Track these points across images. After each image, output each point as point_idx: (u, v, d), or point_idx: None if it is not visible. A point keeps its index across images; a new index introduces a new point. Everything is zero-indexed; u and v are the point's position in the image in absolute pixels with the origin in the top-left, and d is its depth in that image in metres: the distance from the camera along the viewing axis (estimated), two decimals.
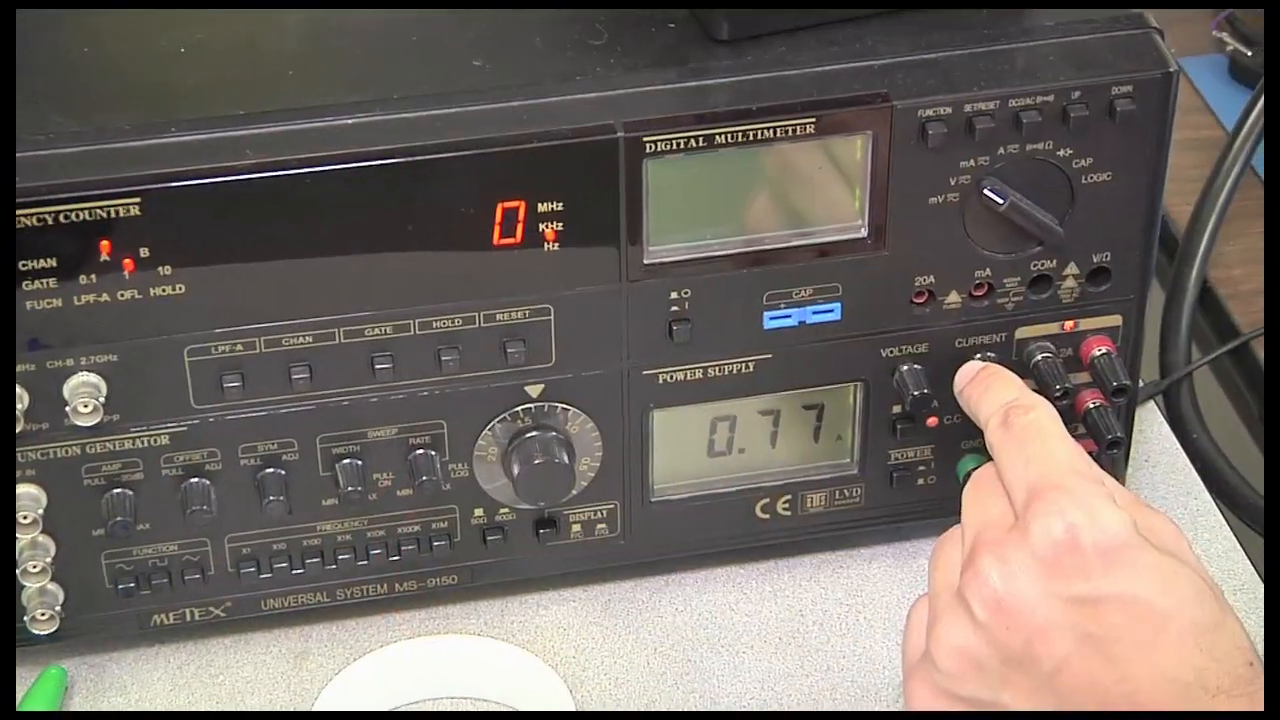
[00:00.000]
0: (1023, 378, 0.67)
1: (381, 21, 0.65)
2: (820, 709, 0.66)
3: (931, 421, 0.68)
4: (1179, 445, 0.77)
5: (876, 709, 0.66)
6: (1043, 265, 0.66)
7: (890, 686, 0.67)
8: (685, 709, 0.66)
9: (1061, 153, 0.63)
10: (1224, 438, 0.78)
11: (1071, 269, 0.66)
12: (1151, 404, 0.78)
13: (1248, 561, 0.72)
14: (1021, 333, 0.67)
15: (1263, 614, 0.69)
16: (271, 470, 0.64)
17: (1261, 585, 0.71)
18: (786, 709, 0.66)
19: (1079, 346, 0.68)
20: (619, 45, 0.63)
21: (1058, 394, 0.67)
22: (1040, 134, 0.63)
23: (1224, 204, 0.81)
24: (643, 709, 0.66)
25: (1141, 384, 0.73)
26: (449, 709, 0.66)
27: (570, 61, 0.62)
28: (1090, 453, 0.69)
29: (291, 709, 0.66)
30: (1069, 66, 0.63)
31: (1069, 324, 0.68)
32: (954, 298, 0.66)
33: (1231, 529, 0.74)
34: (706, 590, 0.71)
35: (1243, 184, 0.82)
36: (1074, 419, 0.68)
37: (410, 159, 0.59)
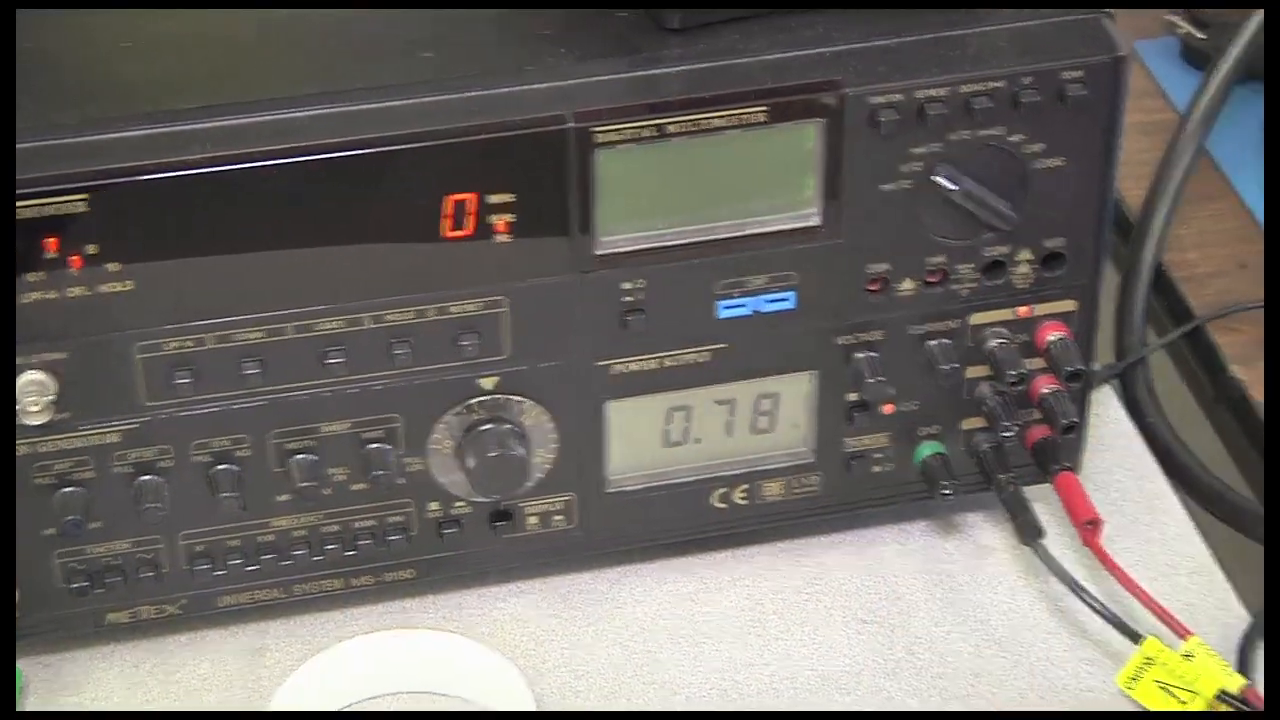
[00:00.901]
0: (977, 364, 0.67)
1: (330, 16, 0.65)
2: (781, 698, 0.66)
3: (887, 409, 0.68)
4: (1135, 429, 0.77)
5: (837, 696, 0.66)
6: (997, 251, 0.66)
7: (849, 674, 0.67)
8: (646, 699, 0.66)
9: (1013, 138, 0.64)
10: (1179, 420, 0.79)
11: (1025, 255, 0.67)
12: (1107, 388, 0.78)
13: (1204, 545, 0.73)
14: (976, 319, 0.68)
15: (1218, 597, 0.70)
16: (224, 467, 0.64)
17: (1218, 568, 0.72)
18: (747, 698, 0.67)
19: (1034, 332, 0.68)
20: (569, 35, 0.63)
21: (1013, 380, 0.67)
22: (992, 120, 0.63)
23: (1177, 188, 0.81)
24: (603, 700, 0.66)
25: (1097, 368, 0.73)
26: (407, 704, 0.66)
27: (520, 52, 0.62)
28: (1046, 437, 0.70)
29: (248, 706, 0.66)
30: (1020, 52, 0.63)
31: (1024, 310, 0.68)
32: (908, 285, 0.66)
33: (1188, 512, 0.74)
34: (665, 580, 0.71)
35: (1196, 167, 0.82)
36: (1029, 404, 0.69)
37: (359, 152, 0.59)
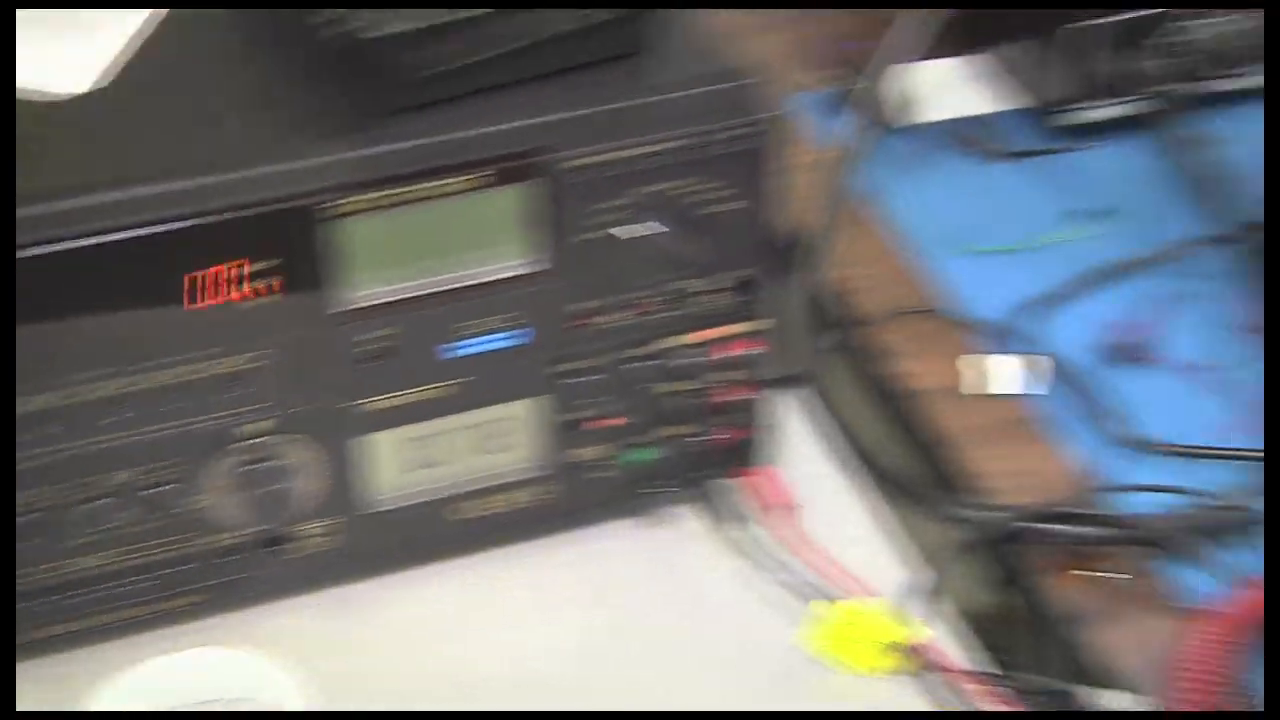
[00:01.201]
0: (679, 379, 0.77)
1: (70, 107, 0.69)
2: (512, 695, 0.74)
3: (602, 424, 0.78)
4: (820, 424, 0.86)
5: (557, 696, 0.73)
6: (691, 285, 0.75)
7: (567, 675, 0.75)
8: (416, 691, 0.74)
9: (697, 189, 0.72)
10: (855, 413, 0.87)
11: (717, 284, 0.76)
12: (791, 395, 0.86)
13: (888, 537, 0.81)
14: (676, 341, 0.77)
15: (892, 563, 0.80)
16: (26, 518, 0.70)
17: (903, 565, 0.79)
18: (519, 675, 0.74)
19: (728, 348, 0.77)
20: (303, 117, 0.69)
21: (710, 391, 0.77)
22: (677, 174, 0.72)
23: (834, 215, 0.89)
24: (381, 696, 0.73)
25: (779, 377, 0.82)
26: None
27: (258, 135, 0.68)
28: (744, 438, 0.80)
29: None
30: (695, 116, 0.71)
31: (718, 330, 0.77)
32: (618, 317, 0.75)
33: (871, 494, 0.83)
34: (429, 584, 0.78)
35: (853, 196, 0.90)
36: (728, 410, 0.78)
37: (107, 238, 0.65)
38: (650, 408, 0.78)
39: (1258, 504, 0.81)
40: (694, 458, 0.80)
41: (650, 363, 0.77)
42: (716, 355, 0.78)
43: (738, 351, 0.78)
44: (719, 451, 0.80)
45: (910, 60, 0.91)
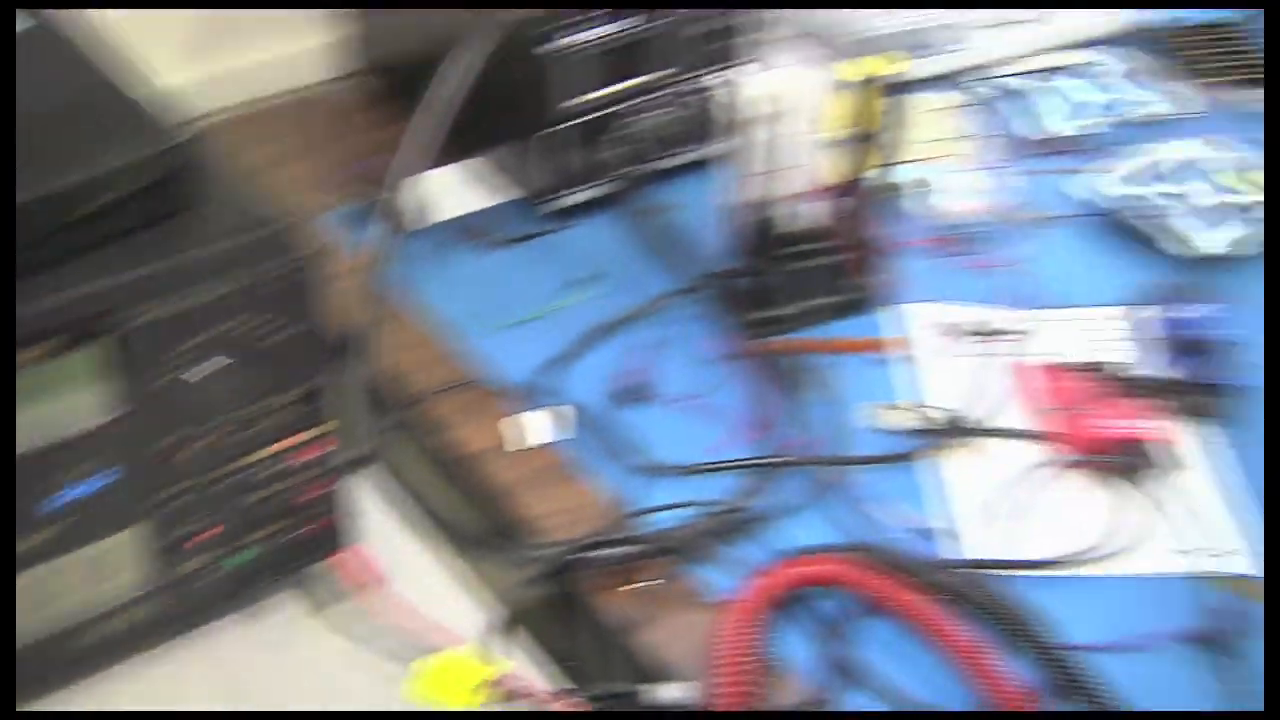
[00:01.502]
0: (255, 490, 0.72)
1: None
2: None
3: (200, 538, 0.72)
4: (392, 504, 0.82)
5: None
6: (263, 405, 0.71)
7: None
8: None
9: (254, 323, 0.69)
10: (421, 488, 0.84)
11: (285, 400, 0.72)
12: (364, 477, 0.82)
13: (467, 589, 0.78)
14: (255, 456, 0.72)
15: (469, 610, 0.77)
16: None
17: (482, 610, 0.76)
18: None
19: (303, 454, 0.73)
20: None
21: (293, 490, 0.73)
22: (233, 314, 0.68)
23: (376, 313, 0.86)
24: None
25: (350, 461, 0.78)
26: None
27: None
28: (325, 529, 0.76)
29: None
30: (241, 262, 0.67)
31: (292, 439, 0.73)
32: (200, 445, 0.70)
33: (441, 552, 0.81)
34: (75, 698, 0.72)
35: (387, 296, 0.87)
36: (304, 510, 0.74)
37: None
38: (242, 516, 0.74)
39: (754, 503, 0.82)
40: (288, 551, 0.76)
41: (236, 478, 0.73)
42: (293, 461, 0.74)
43: (313, 454, 0.75)
44: (309, 542, 0.77)
45: (419, 170, 0.89)
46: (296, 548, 0.76)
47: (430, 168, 0.92)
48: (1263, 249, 0.96)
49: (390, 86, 1.10)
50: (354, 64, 1.13)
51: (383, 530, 0.81)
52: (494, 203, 1.02)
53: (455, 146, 0.91)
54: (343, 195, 1.02)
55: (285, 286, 0.69)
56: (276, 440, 0.73)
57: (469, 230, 1.01)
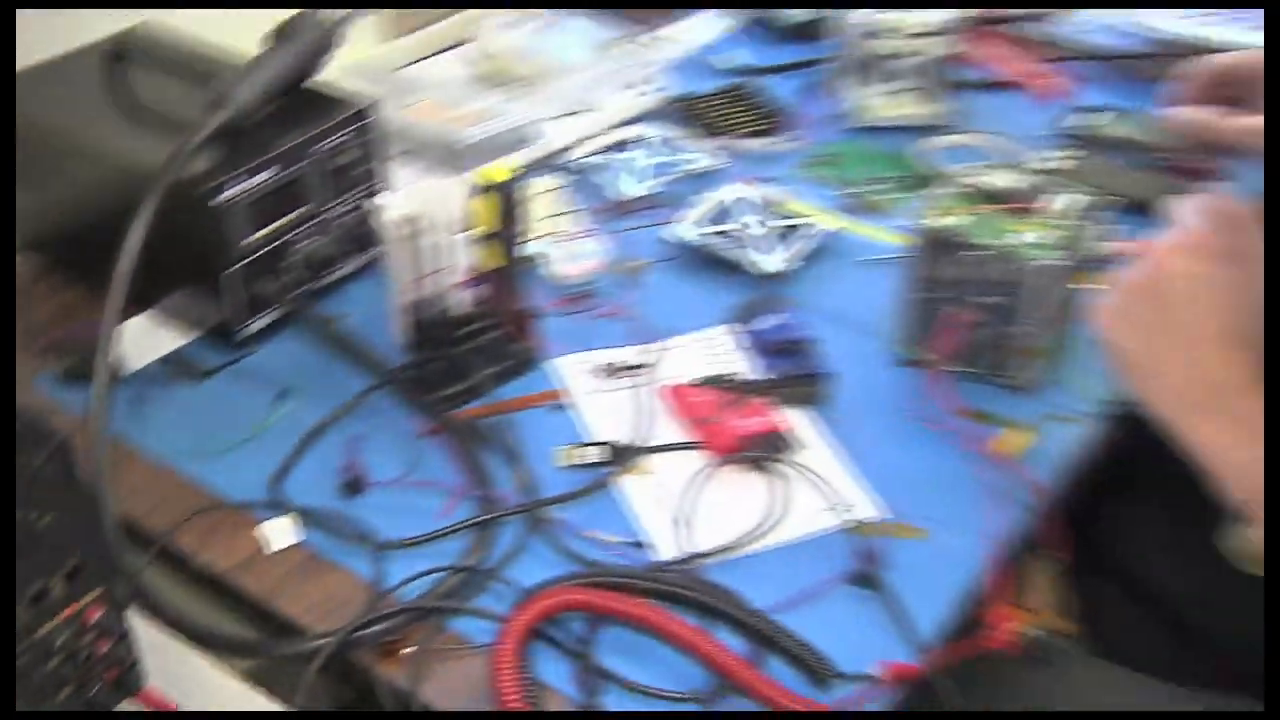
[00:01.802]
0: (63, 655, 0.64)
1: None
2: None
3: None
4: (167, 632, 0.75)
5: None
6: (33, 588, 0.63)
7: None
8: None
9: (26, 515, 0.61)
10: (189, 609, 0.76)
11: (55, 581, 0.65)
12: (135, 614, 0.74)
13: (257, 692, 0.72)
14: (45, 629, 0.64)
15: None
16: None
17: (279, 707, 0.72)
18: None
19: (86, 619, 0.66)
20: None
21: (82, 654, 0.65)
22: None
23: (107, 463, 0.78)
24: None
25: (118, 607, 0.70)
26: None
27: None
28: (120, 673, 0.68)
29: None
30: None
31: (73, 609, 0.66)
32: None
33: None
34: None
35: (108, 445, 0.80)
36: (100, 660, 0.66)
37: None
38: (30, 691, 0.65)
39: (486, 556, 0.79)
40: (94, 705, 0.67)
41: (30, 654, 0.64)
42: (78, 626, 0.66)
43: (92, 618, 0.67)
44: (112, 691, 0.68)
45: (117, 324, 0.80)
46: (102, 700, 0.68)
47: (126, 319, 0.84)
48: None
49: (55, 260, 0.99)
50: (20, 243, 1.01)
51: (165, 664, 0.73)
52: (189, 339, 0.95)
53: (146, 295, 0.84)
54: (44, 362, 0.92)
55: (49, 475, 0.61)
56: (56, 612, 0.65)
57: (171, 368, 0.93)
